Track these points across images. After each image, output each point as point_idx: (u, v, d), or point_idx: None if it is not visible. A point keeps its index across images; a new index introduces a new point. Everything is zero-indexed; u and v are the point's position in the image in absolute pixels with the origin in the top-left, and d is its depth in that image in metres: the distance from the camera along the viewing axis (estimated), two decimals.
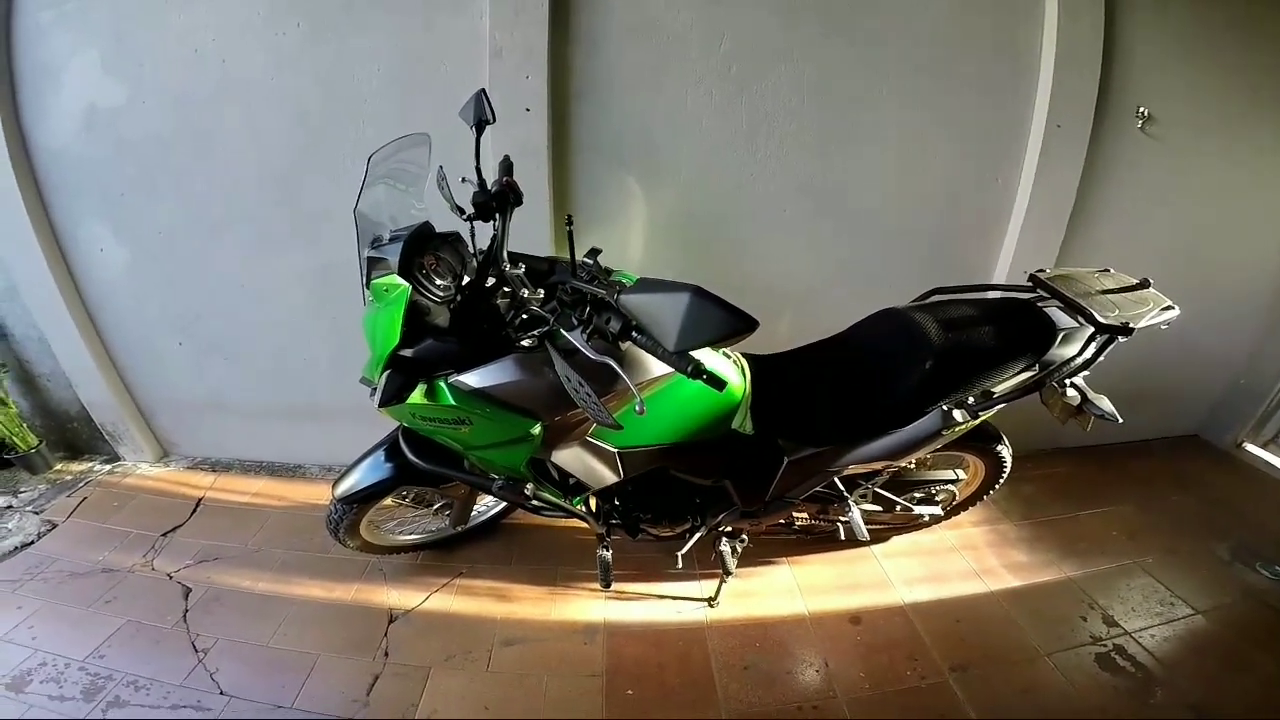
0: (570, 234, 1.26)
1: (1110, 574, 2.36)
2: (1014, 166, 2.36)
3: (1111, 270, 1.77)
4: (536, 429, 1.51)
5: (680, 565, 2.01)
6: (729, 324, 1.02)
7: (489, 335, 1.45)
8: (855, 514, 1.96)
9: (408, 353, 1.41)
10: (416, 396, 1.46)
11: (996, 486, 2.18)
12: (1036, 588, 2.29)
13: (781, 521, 2.11)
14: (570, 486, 1.75)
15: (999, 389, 1.59)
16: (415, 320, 1.38)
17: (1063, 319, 1.62)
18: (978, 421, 1.65)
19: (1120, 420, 1.57)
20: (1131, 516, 2.68)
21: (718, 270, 2.34)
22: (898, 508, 2.14)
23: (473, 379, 1.43)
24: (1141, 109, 2.36)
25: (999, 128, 2.31)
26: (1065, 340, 1.59)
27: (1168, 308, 1.61)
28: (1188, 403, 3.22)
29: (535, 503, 1.80)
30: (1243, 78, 2.42)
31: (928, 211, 2.41)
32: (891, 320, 1.71)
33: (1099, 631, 2.11)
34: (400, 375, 1.43)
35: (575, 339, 1.24)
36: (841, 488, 1.96)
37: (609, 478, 1.68)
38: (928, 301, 1.82)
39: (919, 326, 1.61)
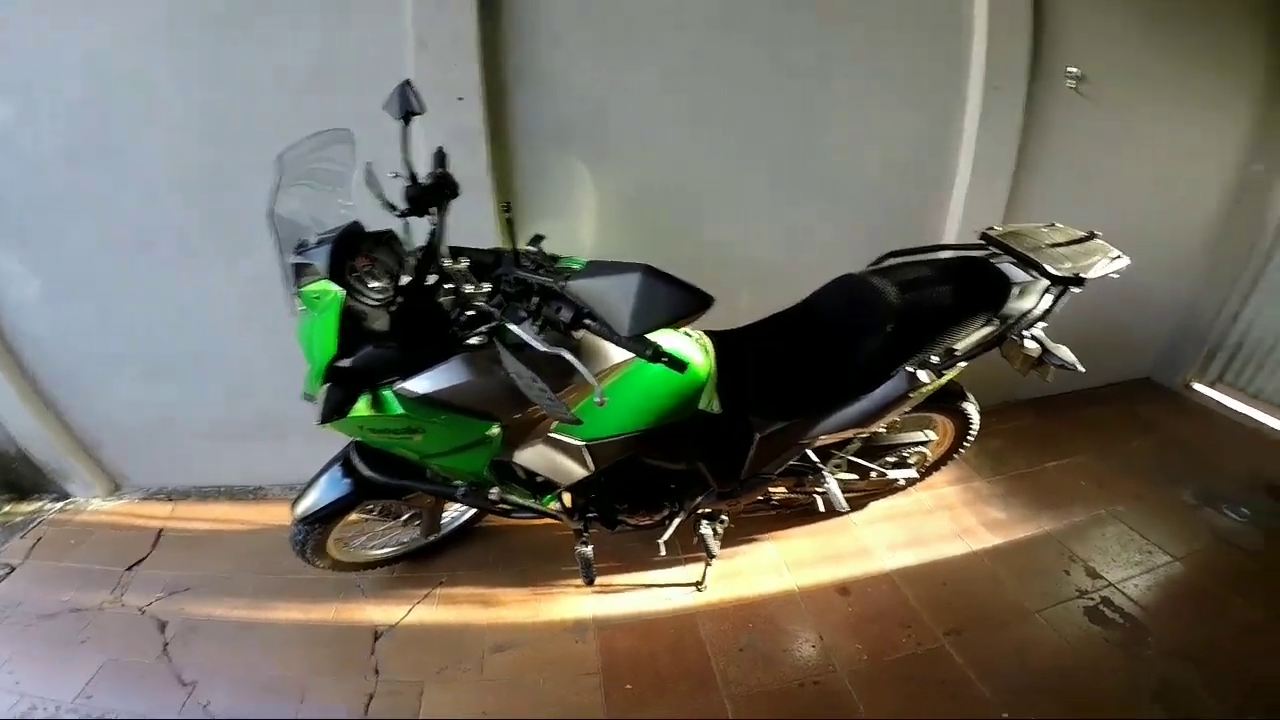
0: (509, 221, 1.21)
1: (1085, 525, 2.41)
2: (958, 129, 2.39)
3: (1058, 224, 1.80)
4: (494, 431, 1.45)
5: (664, 552, 1.98)
6: (683, 302, 0.98)
7: (434, 336, 1.37)
8: (831, 484, 1.96)
9: (346, 363, 1.33)
10: (361, 409, 1.37)
11: (966, 444, 2.21)
12: (1017, 544, 2.33)
13: (760, 499, 2.10)
14: (539, 485, 1.70)
15: (960, 346, 1.61)
16: (352, 327, 1.30)
17: (1017, 274, 1.64)
18: (943, 380, 1.66)
19: (1082, 369, 1.59)
20: (1096, 465, 2.75)
21: (674, 248, 2.29)
22: (872, 474, 2.15)
23: (419, 384, 1.35)
24: (1072, 69, 2.41)
25: (941, 93, 2.34)
26: (1021, 294, 1.61)
27: (1116, 257, 1.64)
28: (1138, 348, 3.33)
29: (504, 506, 1.75)
30: (1169, 35, 2.50)
31: (880, 177, 2.43)
32: (850, 286, 1.70)
33: (1084, 584, 2.15)
34: (340, 388, 1.35)
35: (524, 332, 1.18)
36: (815, 459, 1.95)
37: (578, 472, 1.63)
38: (884, 265, 1.83)
39: (878, 291, 1.61)
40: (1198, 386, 3.29)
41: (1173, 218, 2.95)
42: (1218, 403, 3.20)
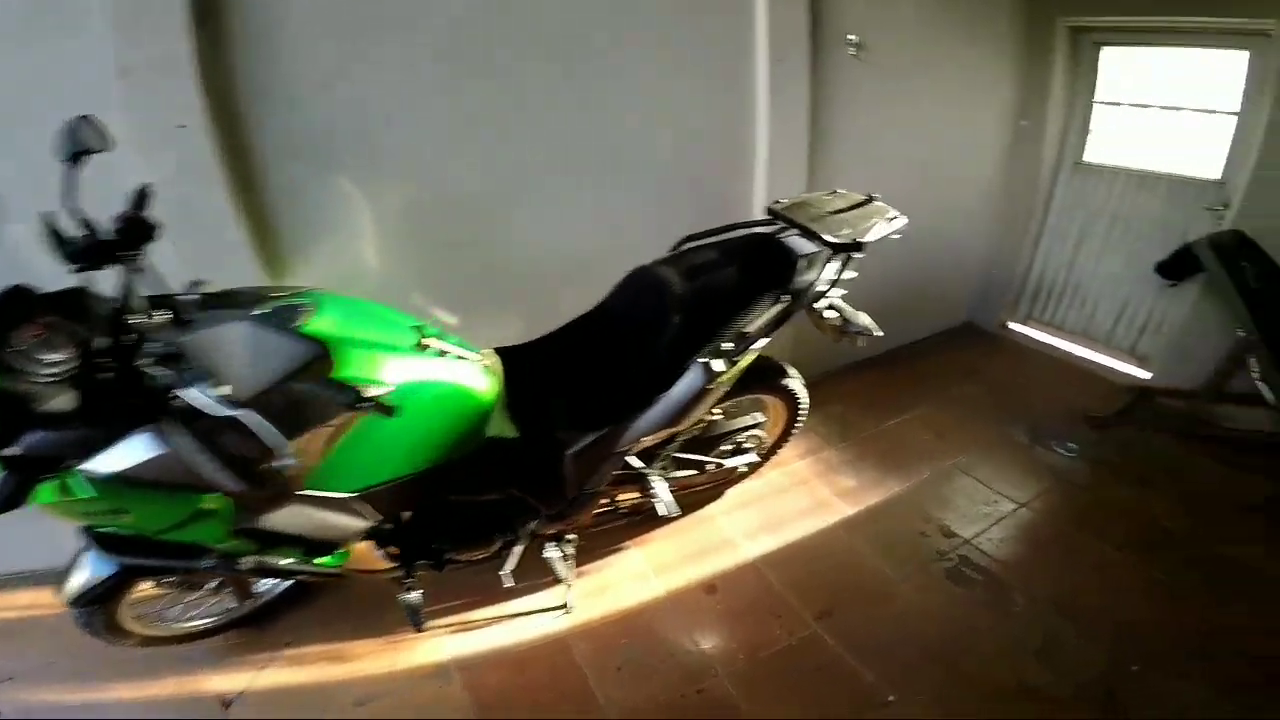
0: (126, 260, 1.02)
1: (933, 481, 2.47)
2: (751, 104, 2.37)
3: (840, 190, 1.80)
4: (212, 502, 1.20)
5: (510, 584, 1.81)
6: (299, 353, 0.82)
7: (134, 405, 1.12)
8: (661, 488, 1.85)
9: (11, 451, 1.04)
10: (45, 495, 1.10)
11: (800, 418, 2.17)
12: (871, 511, 2.33)
13: (607, 510, 1.97)
14: (317, 545, 1.45)
15: (752, 329, 1.54)
16: (16, 412, 1.02)
17: (804, 246, 1.60)
18: (743, 365, 1.59)
19: (879, 333, 1.58)
20: (934, 416, 2.85)
21: (475, 260, 2.13)
22: (709, 467, 2.06)
23: (104, 464, 1.09)
24: (851, 37, 2.47)
25: (731, 69, 2.31)
26: (809, 266, 1.57)
27: (894, 217, 1.64)
28: (954, 297, 3.55)
29: (274, 571, 1.51)
30: (938, 2, 2.64)
31: (684, 159, 2.36)
32: (640, 281, 1.61)
33: (941, 545, 2.18)
34: (16, 474, 1.06)
35: (196, 395, 0.98)
36: (640, 465, 1.83)
37: (357, 525, 1.40)
38: (678, 251, 1.73)
39: (663, 282, 1.52)
40: (1013, 325, 3.54)
41: (963, 172, 3.15)
42: (1030, 339, 3.45)
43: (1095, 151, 3.10)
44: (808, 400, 2.11)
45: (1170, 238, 2.80)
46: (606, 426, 1.53)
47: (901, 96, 2.73)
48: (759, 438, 2.15)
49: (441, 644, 1.92)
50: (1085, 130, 3.09)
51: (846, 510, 2.33)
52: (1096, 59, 2.96)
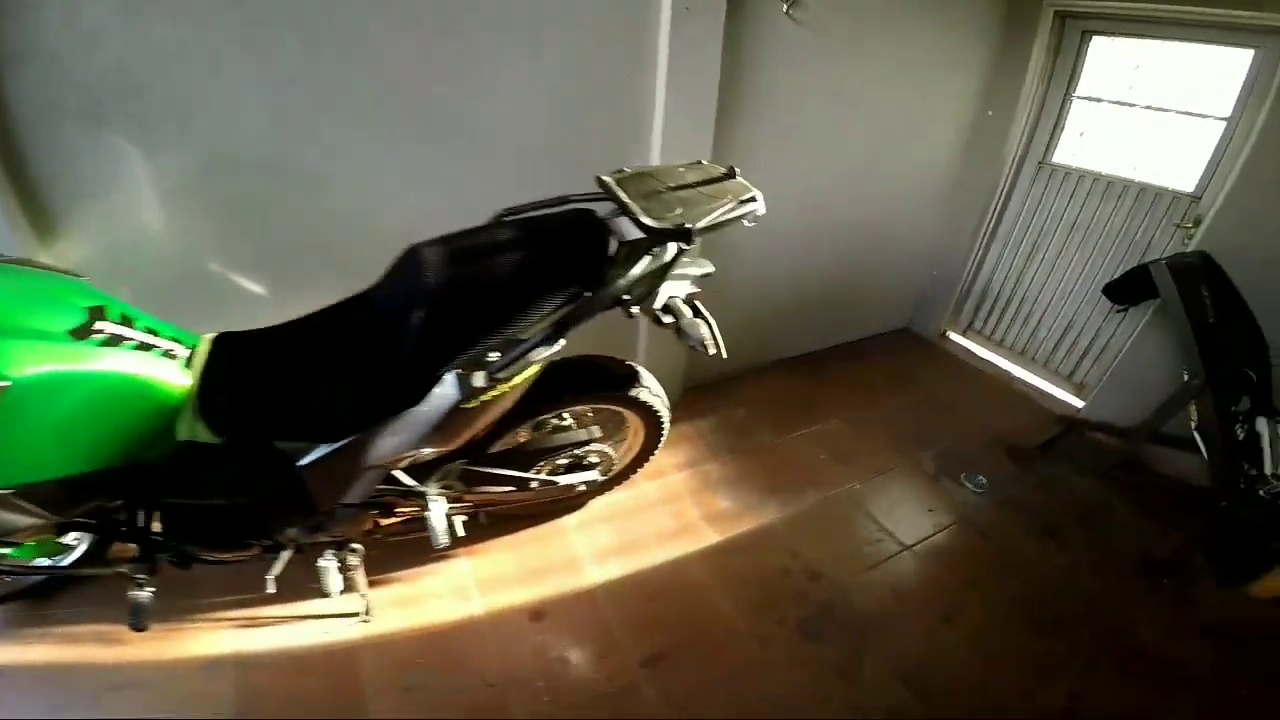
0: None
1: (816, 511, 2.22)
2: (650, 59, 1.99)
3: (704, 161, 1.46)
4: None
5: (272, 589, 1.58)
6: None
7: None
8: (436, 514, 1.55)
9: None
10: None
11: (662, 431, 1.89)
12: (737, 542, 2.08)
13: (407, 520, 1.69)
14: None
15: (528, 334, 1.21)
16: None
17: (633, 230, 1.26)
18: (523, 378, 1.28)
19: (712, 353, 1.28)
20: (840, 433, 2.59)
21: (285, 226, 1.78)
22: (532, 484, 1.77)
23: None
24: None
25: (626, 16, 1.92)
26: (628, 256, 1.24)
27: (749, 198, 1.31)
28: (897, 298, 3.26)
29: None
30: None
31: (556, 121, 1.97)
32: (403, 264, 1.27)
33: (804, 588, 1.94)
34: None
35: None
36: (413, 482, 1.55)
37: (23, 522, 1.15)
38: (473, 228, 1.38)
39: (423, 266, 1.18)
40: (952, 335, 3.26)
41: (914, 162, 2.82)
42: (968, 352, 3.19)
43: (1063, 152, 2.79)
44: (667, 412, 1.83)
45: (1130, 253, 2.57)
46: (345, 438, 1.23)
47: (846, 68, 2.37)
48: (607, 455, 1.88)
49: (225, 637, 1.72)
50: (1056, 127, 2.77)
51: (711, 538, 2.08)
52: (1084, 49, 2.64)
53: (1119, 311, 2.48)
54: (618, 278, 1.19)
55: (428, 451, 1.34)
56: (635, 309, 1.23)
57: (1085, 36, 2.60)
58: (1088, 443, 2.51)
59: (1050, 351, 2.93)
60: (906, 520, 2.21)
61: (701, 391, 2.67)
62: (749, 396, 2.69)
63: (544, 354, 1.23)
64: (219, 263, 1.76)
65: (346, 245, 1.75)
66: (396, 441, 1.24)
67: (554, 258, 1.24)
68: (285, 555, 1.54)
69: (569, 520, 2.09)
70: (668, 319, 1.32)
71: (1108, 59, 2.63)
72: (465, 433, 1.34)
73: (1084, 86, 2.67)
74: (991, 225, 2.97)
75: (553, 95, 1.93)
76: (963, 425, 2.71)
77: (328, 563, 1.58)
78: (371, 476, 1.35)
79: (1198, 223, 2.34)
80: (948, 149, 2.88)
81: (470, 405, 1.21)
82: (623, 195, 1.22)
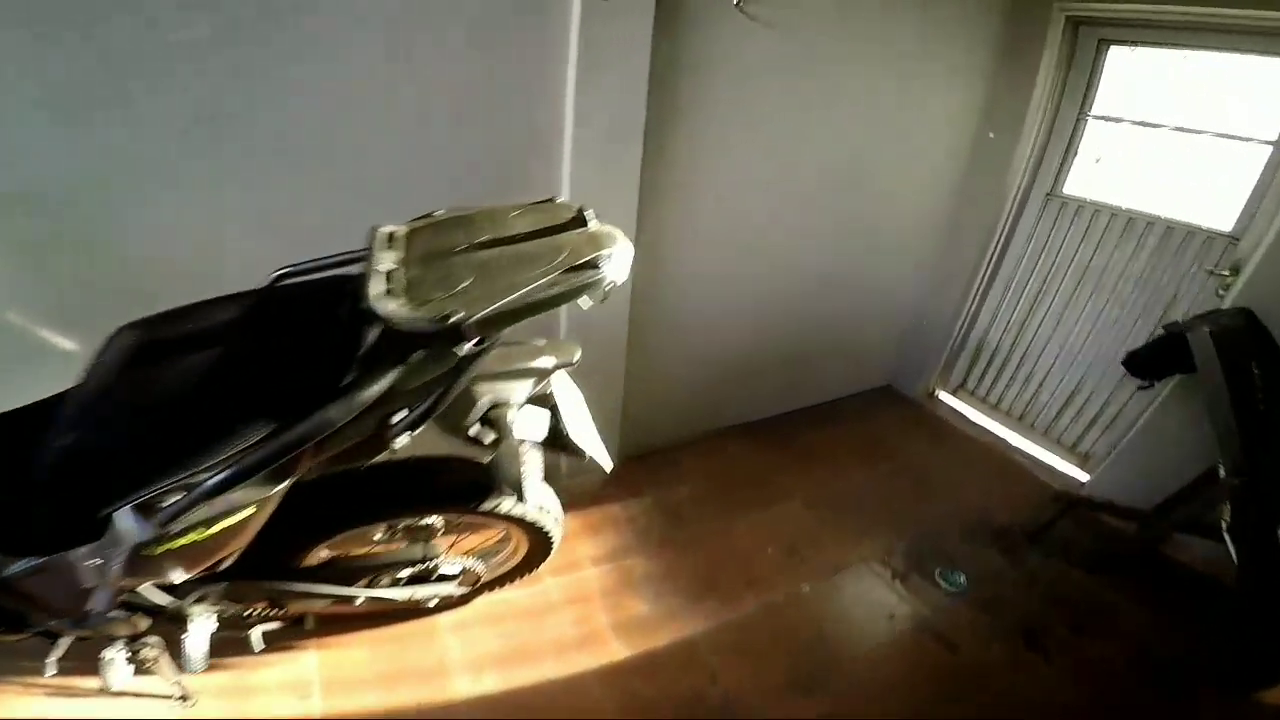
0: None
1: (748, 622, 1.80)
2: (556, 57, 1.56)
3: (558, 199, 1.04)
4: None
5: (51, 673, 1.26)
6: None
7: None
8: (194, 636, 1.19)
9: None
10: None
11: (551, 547, 1.49)
12: (646, 659, 1.66)
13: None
14: None
15: (212, 480, 0.78)
16: None
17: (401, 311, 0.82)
18: (220, 527, 0.85)
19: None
20: (799, 519, 2.18)
21: (76, 266, 1.36)
22: (358, 600, 1.37)
23: None
24: None
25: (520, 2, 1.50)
26: (384, 356, 0.80)
27: (584, 264, 0.85)
28: (878, 353, 2.87)
29: None
30: None
31: (456, 134, 1.57)
32: (100, 357, 0.86)
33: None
34: None
35: None
36: (169, 599, 1.16)
37: None
38: (217, 301, 0.95)
39: (94, 368, 0.79)
40: (941, 395, 2.84)
41: (898, 193, 2.41)
42: (958, 415, 2.76)
43: (1075, 181, 2.39)
44: (557, 527, 1.43)
45: (1152, 304, 2.19)
46: (39, 556, 0.82)
47: (816, 78, 1.96)
48: (469, 570, 1.48)
49: (32, 704, 1.44)
50: (1068, 152, 2.37)
51: (618, 652, 1.67)
52: (1100, 61, 2.25)
53: (1143, 388, 2.05)
54: (356, 392, 0.75)
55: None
56: (402, 437, 0.80)
57: (1102, 46, 2.22)
58: (1088, 525, 2.15)
59: (1053, 418, 2.53)
60: (859, 630, 1.83)
61: (640, 462, 2.25)
62: (696, 470, 2.29)
63: (257, 495, 0.80)
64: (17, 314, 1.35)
65: (150, 294, 1.34)
66: (75, 577, 0.82)
67: (267, 357, 0.81)
68: (64, 642, 1.22)
69: (444, 619, 1.69)
70: (490, 438, 0.89)
71: (1129, 72, 2.24)
72: (178, 569, 0.91)
73: (1101, 105, 2.29)
74: (990, 268, 2.57)
75: (427, 104, 1.51)
76: (946, 504, 2.30)
77: (114, 654, 1.24)
78: (102, 595, 0.93)
79: (1236, 270, 1.95)
80: (942, 176, 2.48)
81: (157, 551, 0.80)
82: (379, 262, 0.80)
